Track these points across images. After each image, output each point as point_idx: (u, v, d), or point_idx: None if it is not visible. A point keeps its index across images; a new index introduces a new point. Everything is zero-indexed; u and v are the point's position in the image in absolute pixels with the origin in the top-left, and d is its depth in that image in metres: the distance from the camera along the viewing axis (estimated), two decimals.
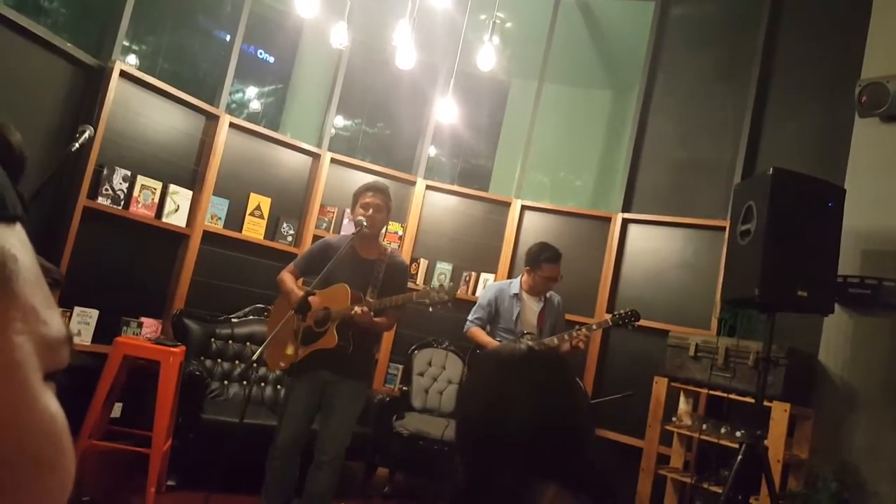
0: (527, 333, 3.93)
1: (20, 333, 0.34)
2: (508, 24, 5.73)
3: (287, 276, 3.31)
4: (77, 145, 2.74)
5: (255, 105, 5.52)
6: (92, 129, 2.83)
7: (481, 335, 3.96)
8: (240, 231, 4.70)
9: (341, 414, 3.15)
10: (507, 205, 5.26)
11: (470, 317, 4.05)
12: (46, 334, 0.36)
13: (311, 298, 2.99)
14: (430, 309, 3.23)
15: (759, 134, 4.57)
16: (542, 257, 3.93)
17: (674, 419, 4.01)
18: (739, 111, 4.66)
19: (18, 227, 0.36)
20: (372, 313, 3.10)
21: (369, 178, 5.13)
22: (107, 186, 3.98)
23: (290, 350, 2.99)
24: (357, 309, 3.07)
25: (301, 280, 3.45)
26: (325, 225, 5.04)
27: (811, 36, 4.52)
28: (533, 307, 4.03)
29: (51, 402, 0.36)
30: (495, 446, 1.18)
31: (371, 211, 3.18)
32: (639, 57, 5.23)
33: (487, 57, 4.14)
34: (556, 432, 1.20)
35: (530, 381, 1.23)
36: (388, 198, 3.27)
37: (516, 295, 4.02)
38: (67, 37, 3.79)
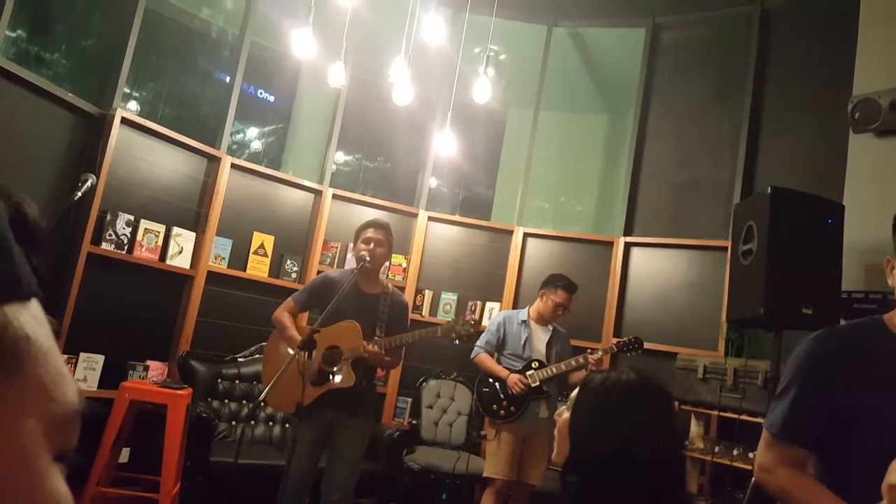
0: (535, 360, 3.92)
1: (29, 416, 0.34)
2: (502, 56, 5.80)
3: (285, 317, 3.22)
4: (80, 194, 2.78)
5: (257, 145, 5.58)
6: (94, 177, 2.87)
7: (489, 362, 3.95)
8: (244, 270, 4.72)
9: (349, 452, 3.12)
10: (510, 233, 5.28)
11: (478, 342, 4.03)
12: (56, 414, 0.36)
13: (316, 336, 2.98)
14: (457, 342, 3.25)
15: (755, 152, 4.60)
16: (560, 283, 3.97)
17: (686, 443, 3.97)
18: (735, 130, 4.69)
19: (34, 303, 0.37)
20: (383, 352, 3.10)
21: (371, 213, 5.20)
22: (110, 232, 4.01)
23: (301, 390, 2.91)
24: (370, 347, 3.05)
25: (304, 317, 3.43)
26: (328, 260, 5.06)
27: (802, 54, 4.57)
28: (541, 335, 4.02)
29: (58, 485, 0.36)
30: (627, 480, 1.19)
31: (372, 245, 3.19)
32: (632, 81, 5.29)
33: (483, 89, 4.19)
34: (674, 463, 1.24)
35: (652, 412, 1.26)
36: (388, 233, 3.28)
37: (524, 322, 4.02)
38: (69, 87, 3.86)
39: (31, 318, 0.36)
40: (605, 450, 1.22)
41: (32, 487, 0.34)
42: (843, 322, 3.20)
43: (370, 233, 3.22)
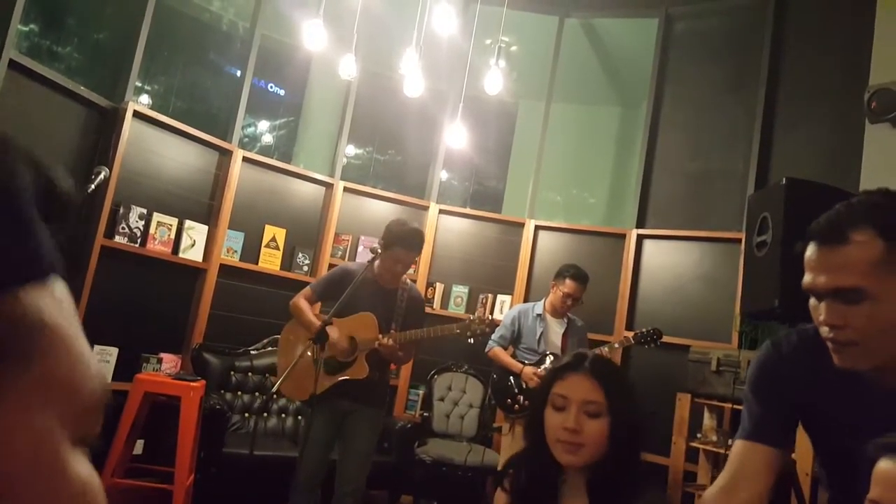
0: (549, 353, 3.91)
1: (47, 407, 0.34)
2: (514, 48, 5.77)
3: (303, 303, 3.22)
4: (93, 186, 2.79)
5: (268, 138, 5.59)
6: (107, 170, 2.87)
7: (503, 356, 3.96)
8: (256, 263, 4.73)
9: (361, 444, 3.12)
10: (521, 225, 5.26)
11: (493, 336, 4.03)
12: (77, 402, 0.36)
13: (331, 327, 2.98)
14: (472, 340, 3.24)
15: (770, 143, 4.55)
16: (568, 273, 3.95)
17: (699, 435, 3.95)
18: (749, 121, 4.65)
19: (57, 282, 0.36)
20: (398, 346, 3.09)
21: (382, 206, 5.20)
22: (123, 225, 4.03)
23: (314, 379, 2.92)
24: (384, 340, 3.05)
25: (318, 307, 3.44)
26: (340, 253, 5.06)
27: (817, 43, 4.51)
28: (556, 328, 4.01)
29: (82, 469, 0.36)
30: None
31: (399, 267, 3.14)
32: (645, 72, 5.24)
33: (494, 80, 4.17)
34: None
35: None
36: (418, 254, 3.30)
37: (540, 315, 4.02)
38: (81, 80, 3.87)
39: (51, 301, 0.35)
40: (639, 419, 1.44)
41: (53, 475, 0.34)
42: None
43: (403, 255, 3.12)
